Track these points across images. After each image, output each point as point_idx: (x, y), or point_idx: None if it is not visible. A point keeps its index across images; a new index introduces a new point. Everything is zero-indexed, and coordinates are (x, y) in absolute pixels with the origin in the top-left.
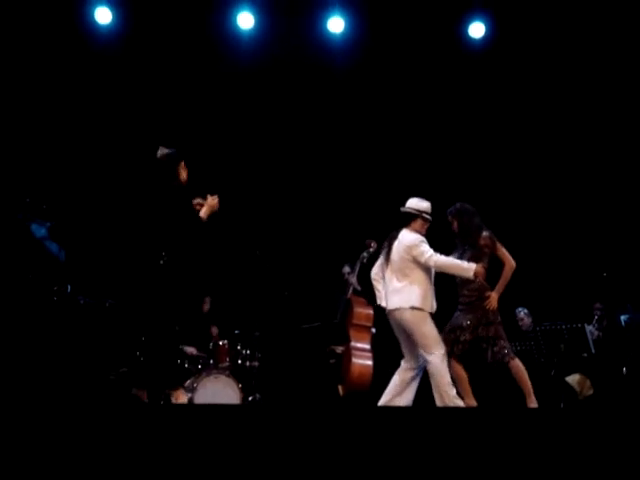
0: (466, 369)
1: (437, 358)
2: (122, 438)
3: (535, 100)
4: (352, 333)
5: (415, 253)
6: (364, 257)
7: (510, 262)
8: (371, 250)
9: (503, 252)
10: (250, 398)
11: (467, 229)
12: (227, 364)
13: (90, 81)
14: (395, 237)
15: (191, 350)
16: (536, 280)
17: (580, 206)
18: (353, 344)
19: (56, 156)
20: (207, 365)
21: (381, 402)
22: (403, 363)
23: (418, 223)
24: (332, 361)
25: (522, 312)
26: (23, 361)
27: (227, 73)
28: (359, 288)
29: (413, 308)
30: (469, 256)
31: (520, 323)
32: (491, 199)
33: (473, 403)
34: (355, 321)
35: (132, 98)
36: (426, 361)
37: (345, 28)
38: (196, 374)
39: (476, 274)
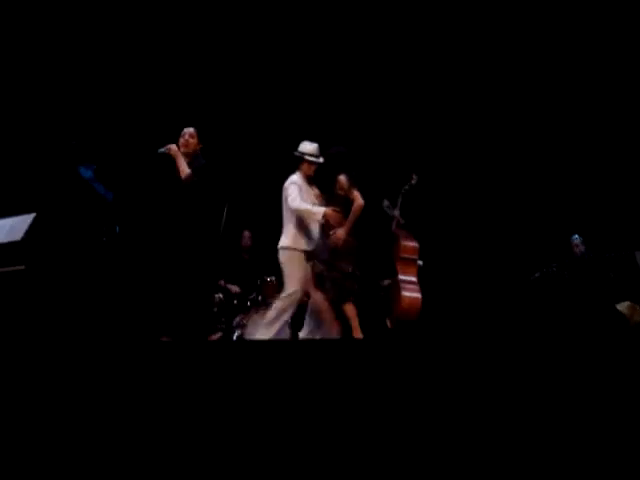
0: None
1: (284, 300)
2: (181, 375)
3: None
4: (399, 266)
5: (285, 195)
6: (406, 190)
7: (358, 201)
8: (413, 182)
9: (354, 193)
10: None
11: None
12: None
13: (130, 27)
14: None
15: (235, 288)
16: (588, 208)
17: (624, 140)
18: (401, 277)
19: (101, 99)
20: (255, 302)
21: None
22: None
23: (304, 166)
24: (380, 294)
25: (577, 239)
26: (78, 300)
27: None
28: (402, 221)
29: (282, 248)
30: (325, 197)
31: (575, 250)
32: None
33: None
34: (402, 254)
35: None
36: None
37: None
38: (245, 311)
39: (325, 216)
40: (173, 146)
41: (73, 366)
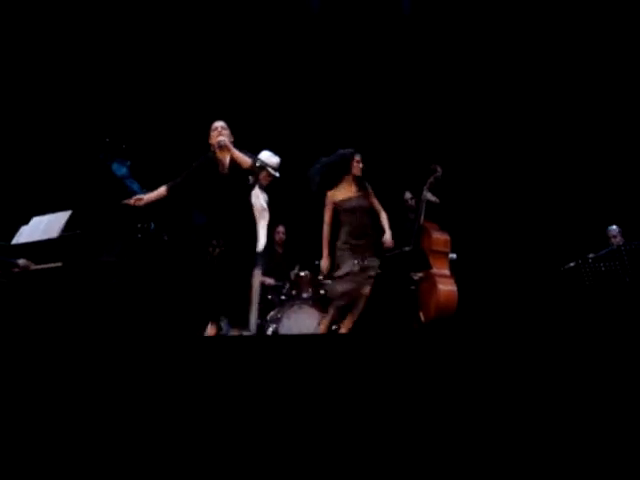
0: None
1: None
2: (208, 369)
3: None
4: (432, 260)
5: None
6: (431, 182)
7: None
8: (438, 175)
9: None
10: (334, 327)
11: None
12: (310, 294)
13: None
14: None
15: (269, 281)
16: (626, 199)
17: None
18: (435, 271)
19: (134, 94)
20: (290, 296)
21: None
22: None
23: (262, 176)
24: (412, 288)
25: (614, 230)
26: (113, 297)
27: None
28: (437, 200)
29: None
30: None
31: (612, 241)
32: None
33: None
34: (434, 247)
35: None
36: None
37: None
38: (280, 305)
39: None
40: (227, 140)
41: (108, 361)
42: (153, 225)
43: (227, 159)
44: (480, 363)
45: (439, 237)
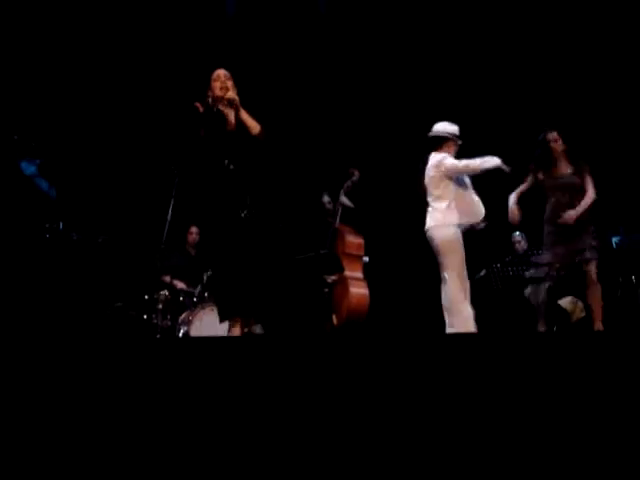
0: None
1: (450, 278)
2: (120, 371)
3: None
4: (345, 263)
5: (445, 167)
6: (348, 186)
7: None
8: (354, 179)
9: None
10: (246, 329)
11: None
12: None
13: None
14: (426, 162)
15: (181, 285)
16: (531, 204)
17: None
18: (348, 274)
19: (44, 91)
20: (202, 298)
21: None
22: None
23: (448, 145)
24: (325, 290)
25: (518, 236)
26: (18, 298)
27: None
28: (352, 205)
29: (437, 225)
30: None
31: (517, 246)
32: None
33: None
34: (347, 250)
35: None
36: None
37: None
38: (191, 307)
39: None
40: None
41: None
42: (62, 225)
43: (232, 116)
44: (392, 368)
45: (353, 240)
